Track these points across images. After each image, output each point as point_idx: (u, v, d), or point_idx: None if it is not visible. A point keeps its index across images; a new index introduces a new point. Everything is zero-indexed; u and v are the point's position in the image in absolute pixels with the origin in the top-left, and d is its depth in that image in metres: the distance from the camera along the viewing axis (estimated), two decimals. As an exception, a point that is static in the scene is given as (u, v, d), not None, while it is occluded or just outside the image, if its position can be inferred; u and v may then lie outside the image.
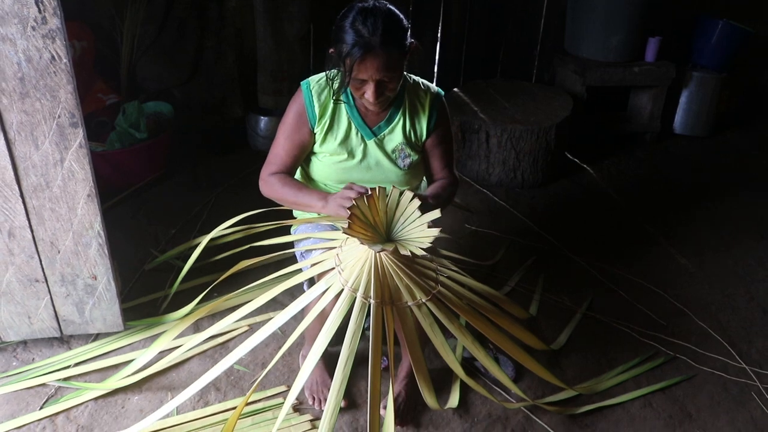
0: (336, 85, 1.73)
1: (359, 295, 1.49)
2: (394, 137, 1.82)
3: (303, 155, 1.84)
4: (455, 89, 3.47)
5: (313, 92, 1.77)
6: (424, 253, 1.42)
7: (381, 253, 1.51)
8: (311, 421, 1.86)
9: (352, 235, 1.41)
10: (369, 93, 1.65)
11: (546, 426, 1.91)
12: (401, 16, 1.64)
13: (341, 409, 1.89)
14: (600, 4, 3.52)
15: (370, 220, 1.48)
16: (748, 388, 2.13)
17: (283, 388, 1.98)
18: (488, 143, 3.13)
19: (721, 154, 3.84)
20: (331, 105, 1.78)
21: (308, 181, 1.91)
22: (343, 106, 1.78)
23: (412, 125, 1.83)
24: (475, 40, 3.85)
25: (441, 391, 1.99)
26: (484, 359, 1.72)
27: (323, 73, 1.80)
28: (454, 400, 1.95)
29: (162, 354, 2.01)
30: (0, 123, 1.65)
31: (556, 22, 3.85)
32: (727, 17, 3.78)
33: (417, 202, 1.51)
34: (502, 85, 3.61)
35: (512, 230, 2.91)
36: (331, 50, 1.68)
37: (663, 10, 3.72)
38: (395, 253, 1.47)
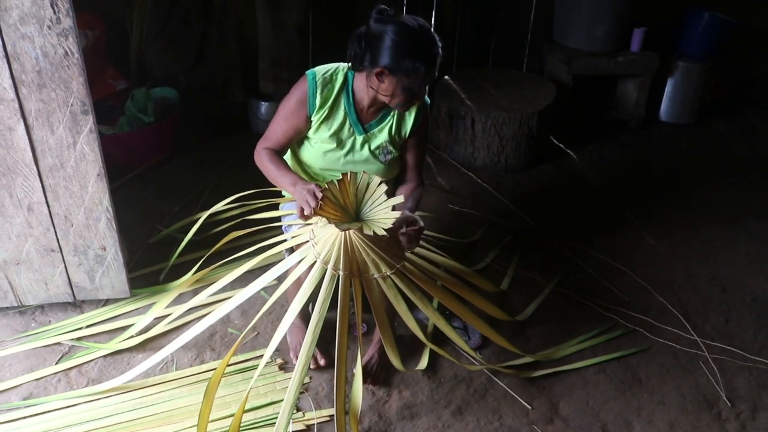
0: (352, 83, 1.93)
1: (330, 267, 1.70)
2: (382, 135, 2.01)
3: (296, 138, 2.02)
4: (446, 77, 3.65)
5: (318, 83, 1.93)
6: (385, 233, 1.63)
7: (347, 231, 1.72)
8: (295, 378, 2.09)
9: (322, 216, 1.62)
10: (408, 99, 1.85)
11: (506, 387, 2.13)
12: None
13: (322, 367, 2.12)
14: (586, -4, 3.68)
15: (341, 201, 1.69)
16: (698, 358, 2.32)
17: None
18: (473, 129, 3.32)
19: (704, 141, 4.00)
20: (332, 98, 1.94)
21: (296, 162, 2.11)
22: (342, 101, 1.96)
23: (398, 126, 2.02)
24: (468, 29, 4.02)
25: (413, 354, 2.21)
26: (444, 327, 1.94)
27: (329, 66, 1.97)
28: (423, 362, 2.17)
29: (165, 318, 2.25)
30: (20, 110, 1.87)
31: (546, 13, 4.01)
32: (712, 8, 3.92)
33: (384, 187, 1.72)
34: (491, 74, 3.78)
35: (494, 211, 3.11)
36: (377, 69, 1.80)
37: (648, 1, 3.86)
38: (360, 231, 1.68)
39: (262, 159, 1.99)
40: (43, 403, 1.97)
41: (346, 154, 2.00)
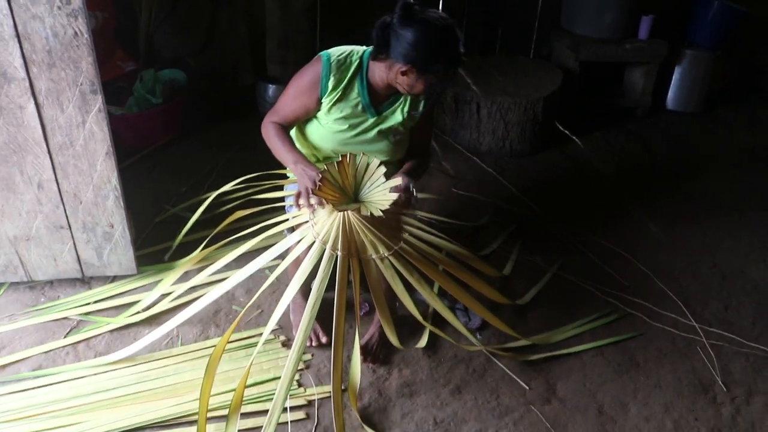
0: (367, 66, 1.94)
1: (328, 247, 1.74)
2: (394, 117, 2.02)
3: (304, 117, 2.02)
4: (453, 62, 3.66)
5: (332, 65, 1.92)
6: (382, 214, 1.66)
7: (346, 212, 1.76)
8: (297, 355, 2.13)
9: (321, 196, 1.66)
10: (426, 88, 1.87)
11: (504, 367, 2.16)
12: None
13: (324, 345, 2.16)
14: (595, -18, 3.68)
15: (340, 183, 1.72)
16: (695, 343, 2.34)
17: (275, 326, 2.24)
18: (479, 114, 3.34)
19: (710, 130, 4.00)
20: (345, 81, 1.94)
21: (303, 140, 2.11)
22: (356, 85, 1.96)
23: (411, 107, 2.03)
24: (476, 14, 4.02)
25: (414, 333, 2.25)
26: (442, 310, 1.98)
27: (344, 49, 1.96)
28: (423, 341, 2.21)
29: (171, 295, 2.30)
30: (31, 89, 1.91)
31: (554, -1, 4.01)
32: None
33: (383, 169, 1.75)
34: (498, 60, 3.79)
35: (498, 196, 3.13)
36: (403, 66, 1.81)
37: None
38: (358, 212, 1.72)
39: (269, 132, 2.00)
40: (52, 374, 2.02)
41: (356, 136, 2.01)
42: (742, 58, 4.30)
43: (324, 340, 2.16)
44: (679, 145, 3.78)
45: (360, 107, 1.97)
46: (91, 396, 1.95)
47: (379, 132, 2.01)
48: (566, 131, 3.60)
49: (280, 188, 2.24)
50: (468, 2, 3.98)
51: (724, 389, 2.16)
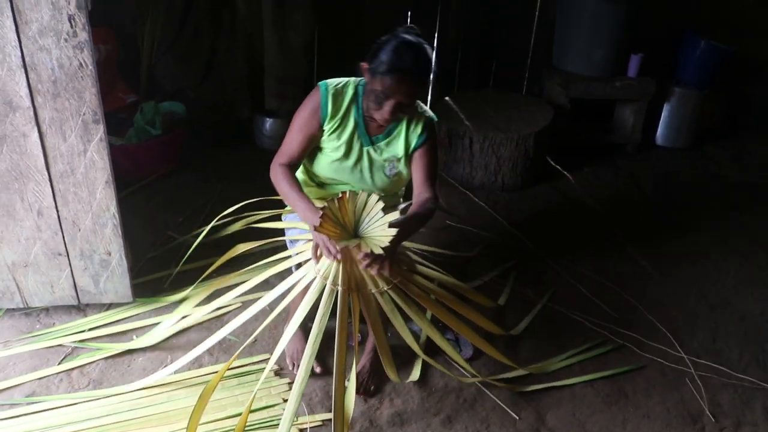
0: (362, 94, 2.01)
1: (329, 282, 1.78)
2: (389, 150, 2.08)
3: (311, 147, 2.07)
4: (446, 98, 3.75)
5: (329, 93, 2.00)
6: (381, 251, 1.71)
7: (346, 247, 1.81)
8: (289, 383, 2.15)
9: (322, 233, 1.71)
10: (387, 110, 1.90)
11: (495, 398, 2.18)
12: (432, 56, 1.93)
13: (317, 374, 2.18)
14: (584, 22, 3.78)
15: (340, 219, 1.77)
16: (684, 374, 2.37)
17: (267, 355, 2.27)
18: (471, 149, 3.41)
19: (698, 165, 4.07)
20: (343, 108, 2.01)
21: (307, 171, 2.17)
22: (352, 112, 2.03)
23: (405, 141, 2.08)
24: (470, 52, 4.13)
25: (405, 365, 2.27)
26: (439, 341, 2.01)
27: (341, 79, 2.05)
28: (415, 374, 2.23)
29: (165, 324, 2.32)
30: (35, 118, 1.97)
31: (546, 38, 4.11)
32: (709, 36, 4.02)
33: (381, 204, 1.80)
34: (491, 96, 3.88)
35: (490, 229, 3.18)
36: (365, 64, 1.92)
37: (646, 28, 3.96)
38: (359, 248, 1.77)
39: (278, 177, 2.03)
40: (45, 401, 2.03)
41: (354, 165, 2.07)
42: (729, 95, 4.40)
43: (318, 370, 2.17)
44: (668, 181, 3.85)
45: (356, 136, 2.04)
46: (84, 423, 1.96)
47: (374, 163, 2.07)
48: (557, 166, 3.68)
49: (278, 218, 2.28)
50: (462, 40, 4.09)
51: (713, 420, 2.18)
